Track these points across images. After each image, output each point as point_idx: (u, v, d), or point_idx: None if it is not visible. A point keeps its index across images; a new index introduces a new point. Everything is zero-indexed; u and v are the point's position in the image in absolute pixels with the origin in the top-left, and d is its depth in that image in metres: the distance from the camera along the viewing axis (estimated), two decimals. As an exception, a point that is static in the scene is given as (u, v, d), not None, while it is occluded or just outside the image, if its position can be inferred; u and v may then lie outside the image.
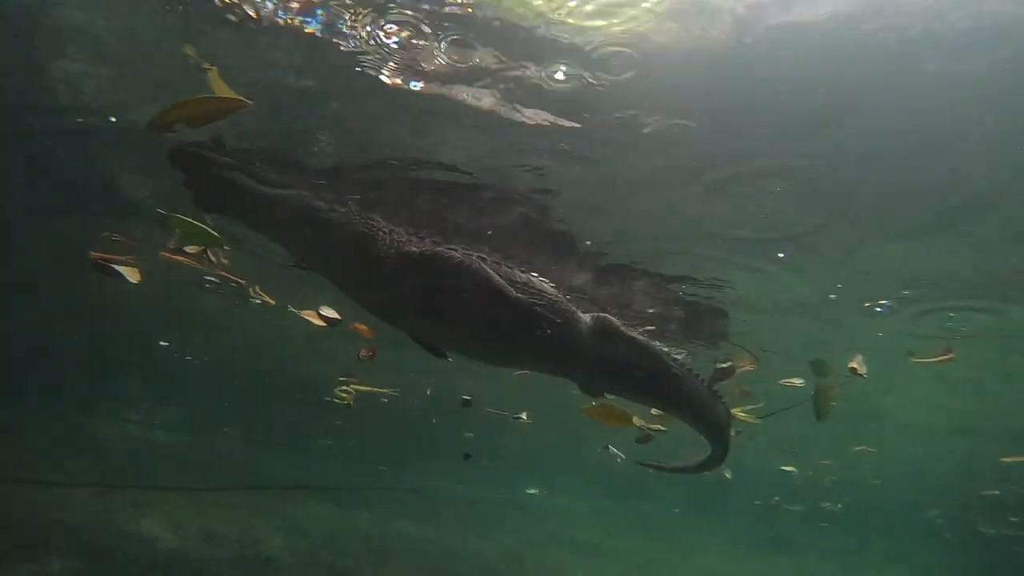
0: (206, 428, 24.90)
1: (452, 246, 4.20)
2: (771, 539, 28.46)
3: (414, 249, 4.00)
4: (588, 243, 6.33)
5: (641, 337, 4.97)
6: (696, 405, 5.23)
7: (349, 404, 8.39)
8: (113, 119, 5.62)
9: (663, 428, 6.79)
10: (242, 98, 2.94)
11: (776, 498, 26.33)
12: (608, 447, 7.81)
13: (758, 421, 6.28)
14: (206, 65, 4.15)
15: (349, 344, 14.55)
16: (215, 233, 3.71)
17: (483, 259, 4.13)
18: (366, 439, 27.55)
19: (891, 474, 23.53)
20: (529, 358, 4.91)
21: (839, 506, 27.05)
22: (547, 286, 4.67)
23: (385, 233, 4.00)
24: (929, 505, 28.58)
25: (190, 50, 4.22)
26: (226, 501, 14.30)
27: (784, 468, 17.87)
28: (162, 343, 19.11)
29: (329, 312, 4.78)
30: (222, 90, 3.41)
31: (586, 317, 4.76)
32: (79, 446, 16.76)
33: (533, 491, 31.63)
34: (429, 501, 21.40)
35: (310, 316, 4.78)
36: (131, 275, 4.32)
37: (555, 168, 5.11)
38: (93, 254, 4.29)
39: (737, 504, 31.29)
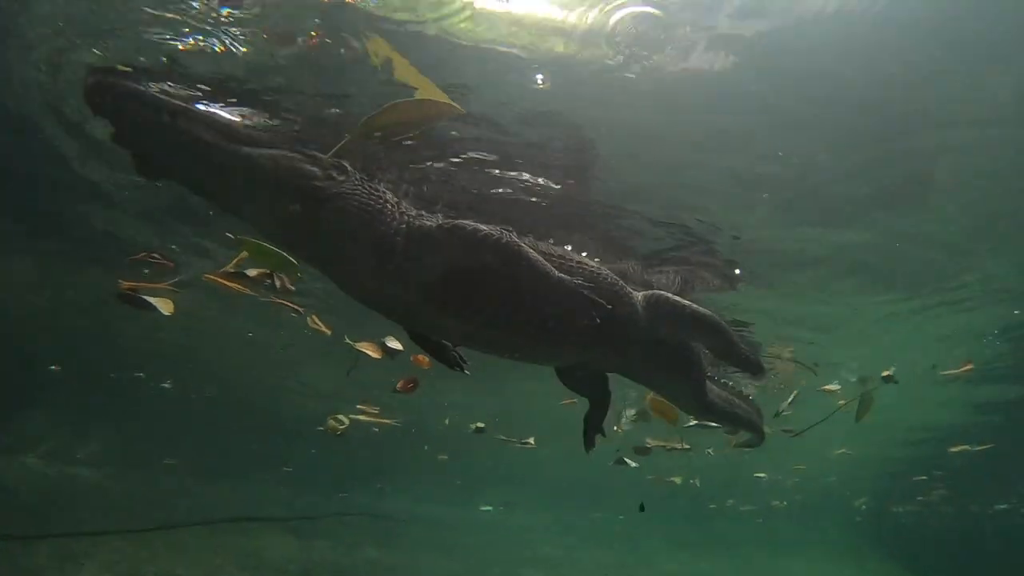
0: (140, 461, 22.69)
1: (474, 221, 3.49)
2: (713, 537, 29.55)
3: (429, 223, 3.30)
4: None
5: (703, 310, 4.38)
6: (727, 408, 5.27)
7: (341, 433, 7.92)
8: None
9: (688, 447, 6.78)
10: (454, 103, 2.49)
11: (730, 501, 27.28)
12: (623, 459, 7.67)
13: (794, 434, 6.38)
14: (400, 61, 3.29)
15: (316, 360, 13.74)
16: (292, 258, 3.27)
17: (508, 230, 3.40)
18: (322, 464, 26.14)
19: (839, 471, 25.32)
20: (573, 350, 4.05)
21: (785, 503, 28.68)
22: (587, 259, 4.03)
23: (392, 206, 3.29)
24: (860, 494, 31.15)
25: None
26: (178, 541, 13.04)
27: (757, 475, 18.46)
28: (165, 384, 17.06)
29: (394, 344, 4.28)
30: (429, 91, 2.71)
31: (638, 295, 4.21)
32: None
33: (488, 508, 31.13)
34: (388, 524, 20.59)
35: (368, 349, 4.23)
36: (164, 307, 3.76)
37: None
38: (122, 284, 3.69)
39: (680, 507, 32.25)
